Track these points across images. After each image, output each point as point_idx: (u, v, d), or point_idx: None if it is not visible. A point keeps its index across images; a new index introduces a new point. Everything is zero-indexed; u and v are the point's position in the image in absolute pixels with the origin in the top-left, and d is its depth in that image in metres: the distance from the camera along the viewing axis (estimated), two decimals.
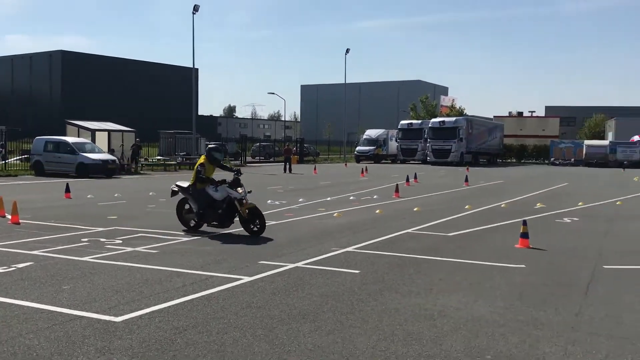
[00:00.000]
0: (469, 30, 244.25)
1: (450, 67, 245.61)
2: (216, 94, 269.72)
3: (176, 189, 11.78)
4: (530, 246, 10.15)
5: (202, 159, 11.46)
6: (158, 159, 40.00)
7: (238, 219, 11.10)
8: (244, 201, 10.98)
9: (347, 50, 60.69)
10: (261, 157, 54.71)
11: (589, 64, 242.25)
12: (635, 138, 57.46)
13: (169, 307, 6.25)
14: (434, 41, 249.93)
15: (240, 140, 55.26)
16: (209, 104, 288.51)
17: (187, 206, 11.59)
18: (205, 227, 11.41)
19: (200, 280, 7.46)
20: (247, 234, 10.91)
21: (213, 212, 11.11)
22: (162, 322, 5.73)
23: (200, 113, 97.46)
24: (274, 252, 9.40)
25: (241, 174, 11.51)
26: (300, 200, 17.84)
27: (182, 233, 11.16)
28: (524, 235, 10.31)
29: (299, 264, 8.52)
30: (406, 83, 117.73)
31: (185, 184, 11.60)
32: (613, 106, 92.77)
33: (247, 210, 10.92)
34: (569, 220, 14.00)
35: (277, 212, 14.58)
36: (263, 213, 11.09)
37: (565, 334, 5.57)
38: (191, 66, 44.85)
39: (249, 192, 11.42)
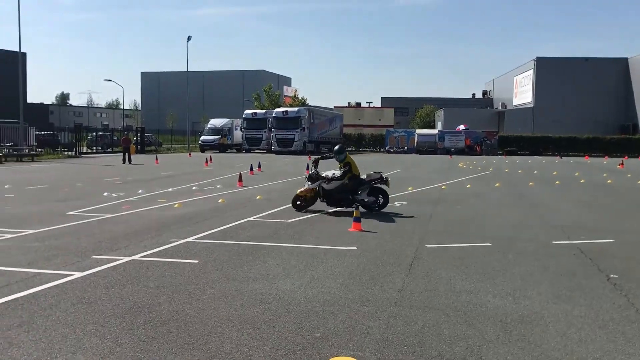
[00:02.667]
0: (310, 22, 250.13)
1: (292, 58, 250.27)
2: (50, 80, 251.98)
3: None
4: (363, 229, 10.79)
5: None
6: None
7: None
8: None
9: (189, 38, 59.66)
10: (98, 148, 52.03)
11: (420, 58, 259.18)
12: (461, 127, 62.67)
13: None
14: (276, 31, 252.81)
15: (74, 129, 52.08)
16: (43, 91, 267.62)
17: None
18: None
19: (27, 278, 7.05)
20: (88, 229, 10.45)
21: None
22: None
23: (29, 101, 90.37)
24: (109, 246, 9.10)
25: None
26: (140, 191, 17.33)
27: (5, 230, 10.40)
28: (357, 219, 10.94)
29: (136, 257, 8.34)
30: (250, 72, 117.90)
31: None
32: (441, 97, 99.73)
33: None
34: (399, 205, 15.00)
35: (114, 205, 14.05)
36: (98, 206, 10.66)
37: (389, 309, 6.05)
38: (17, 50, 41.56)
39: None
